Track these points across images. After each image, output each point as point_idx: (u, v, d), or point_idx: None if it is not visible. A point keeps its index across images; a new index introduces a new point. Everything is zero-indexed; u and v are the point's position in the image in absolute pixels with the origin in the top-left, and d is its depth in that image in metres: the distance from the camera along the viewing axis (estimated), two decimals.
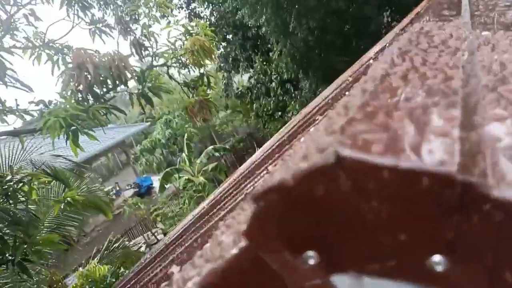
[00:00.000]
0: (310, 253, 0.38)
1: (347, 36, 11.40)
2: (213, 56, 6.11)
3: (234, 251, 0.40)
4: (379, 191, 0.34)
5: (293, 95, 13.70)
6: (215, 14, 14.95)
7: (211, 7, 14.93)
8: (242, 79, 19.50)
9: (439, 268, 0.34)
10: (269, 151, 2.14)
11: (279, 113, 14.57)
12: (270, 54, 15.07)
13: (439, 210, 0.33)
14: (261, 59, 15.96)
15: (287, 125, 4.11)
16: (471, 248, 0.33)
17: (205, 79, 6.44)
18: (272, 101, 14.48)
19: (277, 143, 2.08)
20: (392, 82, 0.54)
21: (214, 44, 6.12)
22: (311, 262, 0.38)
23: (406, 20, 2.07)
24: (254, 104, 15.54)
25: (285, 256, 0.39)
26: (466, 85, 0.50)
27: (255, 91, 16.42)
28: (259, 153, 2.47)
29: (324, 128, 0.46)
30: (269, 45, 15.25)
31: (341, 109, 0.53)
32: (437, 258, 0.34)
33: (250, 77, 17.20)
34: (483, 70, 0.54)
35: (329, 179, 0.35)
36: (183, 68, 6.58)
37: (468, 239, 0.33)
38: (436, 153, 0.33)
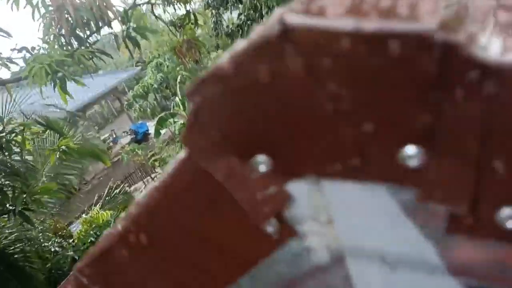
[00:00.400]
0: (261, 157, 0.32)
1: None
2: None
3: (174, 164, 0.34)
4: (338, 68, 0.27)
5: None
6: None
7: None
8: (232, 16, 18.69)
9: (414, 162, 0.27)
10: None
11: None
12: None
13: (413, 86, 0.26)
14: None
15: None
16: (453, 134, 0.26)
17: (192, 17, 6.17)
18: None
19: None
20: None
21: None
22: (262, 168, 0.32)
23: None
24: None
25: (231, 163, 0.32)
26: None
27: (245, 29, 15.80)
28: None
29: None
30: None
31: None
32: (410, 149, 0.27)
33: (239, 14, 16.46)
34: None
35: (274, 58, 0.28)
36: (168, 5, 6.27)
37: (450, 123, 0.26)
38: (409, 10, 0.25)
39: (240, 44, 0.28)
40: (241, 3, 15.22)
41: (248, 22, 15.60)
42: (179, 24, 6.41)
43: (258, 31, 0.28)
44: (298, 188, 0.32)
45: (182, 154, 0.34)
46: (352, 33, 0.25)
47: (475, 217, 0.27)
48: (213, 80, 0.30)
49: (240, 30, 15.84)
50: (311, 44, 0.26)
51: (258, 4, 14.03)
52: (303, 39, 0.27)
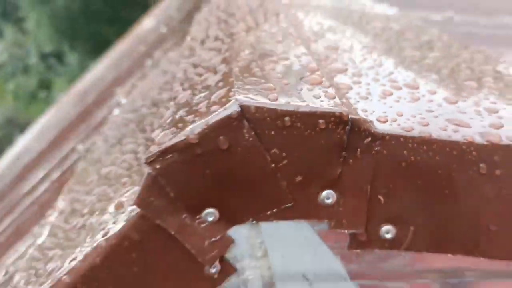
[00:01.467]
0: (210, 210, 0.38)
1: (114, 5, 10.86)
2: None
3: (121, 225, 0.37)
4: (281, 137, 0.37)
5: (58, 71, 12.29)
6: None
7: None
8: None
9: (328, 202, 0.39)
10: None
11: (44, 92, 12.87)
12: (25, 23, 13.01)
13: (330, 149, 0.38)
14: (12, 30, 13.61)
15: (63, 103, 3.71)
16: (354, 180, 0.40)
17: None
18: (35, 78, 12.65)
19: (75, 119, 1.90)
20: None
21: None
22: (210, 219, 0.38)
23: None
24: (11, 84, 13.26)
25: (183, 218, 0.38)
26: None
27: (9, 69, 13.99)
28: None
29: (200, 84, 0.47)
30: (19, 13, 13.11)
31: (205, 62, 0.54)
32: (327, 193, 0.39)
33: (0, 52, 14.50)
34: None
35: (233, 130, 0.36)
36: None
37: (352, 173, 0.39)
38: (322, 98, 0.39)
39: (199, 121, 0.35)
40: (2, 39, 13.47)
41: (12, 61, 13.93)
42: None
43: (217, 109, 0.35)
44: (238, 232, 0.39)
45: (124, 217, 0.36)
46: (292, 113, 0.35)
47: (367, 235, 0.40)
48: (177, 149, 0.35)
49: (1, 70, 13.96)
50: (261, 120, 0.35)
51: (25, 42, 12.68)
52: (257, 118, 0.35)
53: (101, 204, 0.48)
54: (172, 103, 0.46)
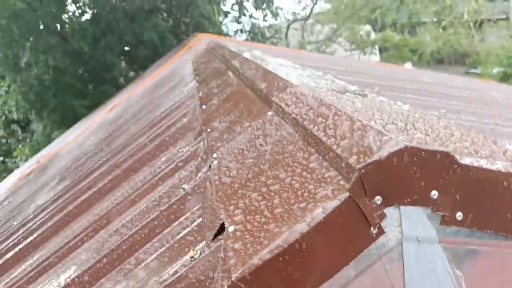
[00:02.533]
0: (378, 197, 0.59)
1: (86, 79, 11.19)
2: None
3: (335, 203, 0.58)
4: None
5: (20, 138, 12.12)
6: None
7: None
8: None
9: (434, 197, 0.62)
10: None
11: (2, 158, 12.51)
12: None
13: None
14: None
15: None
16: (449, 190, 0.65)
17: None
18: None
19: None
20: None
21: None
22: (378, 202, 0.60)
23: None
24: None
25: (366, 201, 0.59)
26: None
27: None
28: None
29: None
30: None
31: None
32: (433, 192, 0.62)
33: None
34: None
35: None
36: None
37: (449, 186, 0.64)
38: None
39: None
40: None
41: None
42: None
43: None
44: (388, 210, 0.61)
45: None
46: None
47: (449, 217, 0.63)
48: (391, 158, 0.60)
49: None
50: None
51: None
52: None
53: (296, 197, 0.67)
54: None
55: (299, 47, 15.95)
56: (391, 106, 0.97)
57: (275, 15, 14.58)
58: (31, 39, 9.24)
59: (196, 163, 1.11)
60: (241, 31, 14.08)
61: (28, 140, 11.56)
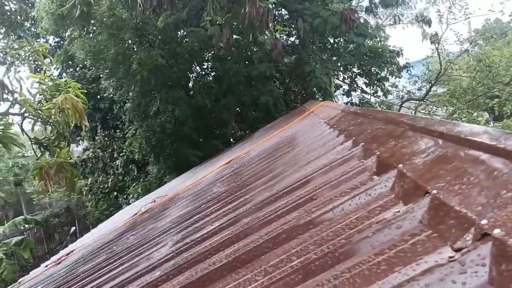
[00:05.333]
0: None
1: (201, 132, 12.01)
2: (83, 121, 5.65)
3: None
4: None
5: (134, 177, 13.23)
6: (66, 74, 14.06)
7: (63, 67, 14.03)
8: (74, 148, 18.02)
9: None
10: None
11: (115, 193, 13.71)
12: (117, 131, 14.65)
13: None
14: (103, 134, 15.31)
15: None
16: None
17: (65, 140, 5.84)
18: (111, 179, 13.62)
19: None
20: None
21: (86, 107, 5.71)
22: None
23: None
24: (89, 179, 14.32)
25: None
26: None
27: (89, 165, 15.34)
28: None
29: None
30: (117, 122, 14.87)
31: None
32: None
33: (85, 149, 16.12)
34: None
35: None
36: (41, 124, 5.87)
37: None
38: None
39: None
40: (94, 140, 15.07)
41: (94, 159, 15.31)
42: (45, 144, 5.96)
43: None
44: None
45: None
46: None
47: None
48: None
49: (84, 165, 15.29)
50: None
51: (113, 145, 14.09)
52: None
53: None
54: None
55: None
56: None
57: (386, 93, 14.52)
58: (163, 91, 10.33)
59: None
60: (351, 103, 14.19)
61: (141, 180, 12.57)
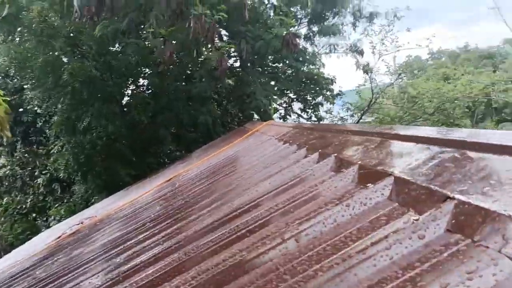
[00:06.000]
0: None
1: (135, 149, 11.43)
2: (5, 131, 5.00)
3: None
4: None
5: (57, 197, 12.16)
6: None
7: None
8: None
9: None
10: None
11: (34, 215, 12.47)
12: (40, 147, 13.53)
13: None
14: (24, 150, 14.07)
15: None
16: None
17: None
18: (30, 199, 12.39)
19: None
20: None
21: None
22: None
23: None
24: (4, 199, 12.93)
25: None
26: None
27: (5, 184, 13.95)
28: None
29: None
30: (41, 137, 13.75)
31: None
32: None
33: (1, 166, 14.68)
34: None
35: None
36: None
37: None
38: None
39: None
40: (13, 156, 13.75)
41: (11, 177, 13.99)
42: None
43: None
44: None
45: None
46: None
47: None
48: None
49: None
50: None
51: (34, 162, 12.91)
52: None
53: None
54: None
55: None
56: None
57: (320, 118, 14.92)
58: (96, 104, 9.68)
59: None
60: None
61: (65, 200, 11.56)
